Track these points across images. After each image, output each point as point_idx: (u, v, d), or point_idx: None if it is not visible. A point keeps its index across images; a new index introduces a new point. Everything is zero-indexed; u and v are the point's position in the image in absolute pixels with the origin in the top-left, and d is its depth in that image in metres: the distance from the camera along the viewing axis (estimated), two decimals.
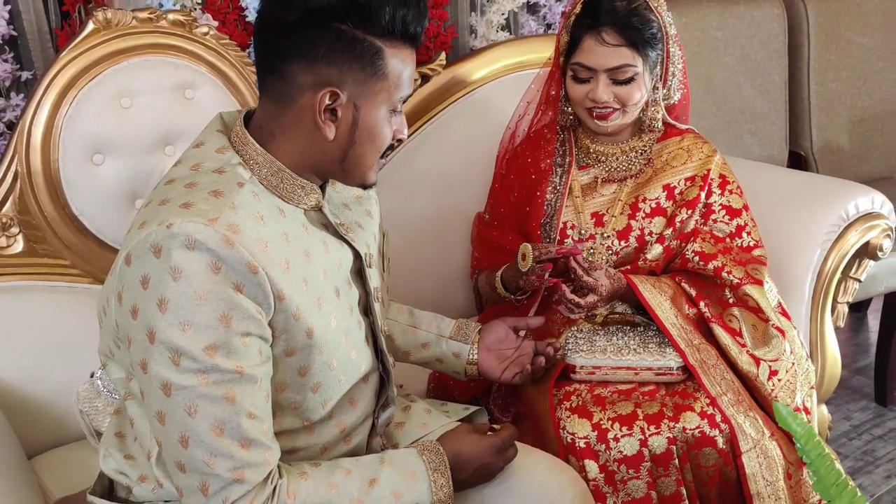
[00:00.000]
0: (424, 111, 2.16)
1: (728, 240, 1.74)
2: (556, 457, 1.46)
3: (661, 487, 1.52)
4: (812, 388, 1.74)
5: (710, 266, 1.70)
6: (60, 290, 1.70)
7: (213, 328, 1.05)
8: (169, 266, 1.04)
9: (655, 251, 1.75)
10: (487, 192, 1.94)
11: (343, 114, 1.14)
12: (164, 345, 1.05)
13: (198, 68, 1.76)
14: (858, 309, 3.27)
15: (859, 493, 1.13)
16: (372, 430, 1.35)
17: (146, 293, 1.05)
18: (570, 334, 1.68)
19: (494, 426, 1.41)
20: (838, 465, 1.12)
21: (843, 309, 2.06)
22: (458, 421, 1.45)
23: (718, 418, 1.53)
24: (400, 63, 1.15)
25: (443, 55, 2.16)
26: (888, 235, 2.02)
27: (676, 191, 1.76)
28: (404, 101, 1.20)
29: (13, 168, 1.64)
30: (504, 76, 2.24)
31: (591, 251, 1.76)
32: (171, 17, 1.74)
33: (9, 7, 1.79)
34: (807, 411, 1.69)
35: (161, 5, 1.84)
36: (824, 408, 2.04)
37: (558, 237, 1.76)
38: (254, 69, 1.49)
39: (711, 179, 1.76)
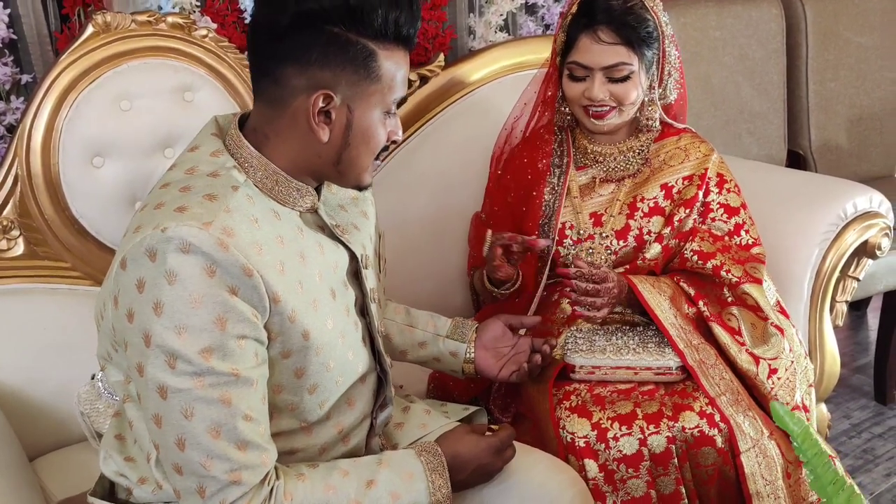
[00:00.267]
0: (423, 112, 2.16)
1: (726, 238, 1.74)
2: (555, 456, 1.47)
3: (660, 486, 1.53)
4: (810, 385, 1.74)
5: (709, 265, 1.71)
6: (61, 292, 1.70)
7: (208, 331, 1.05)
8: (164, 270, 1.04)
9: (654, 250, 1.75)
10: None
11: (337, 116, 1.14)
12: (160, 348, 1.05)
13: (197, 71, 1.77)
14: (858, 307, 3.26)
15: (857, 491, 1.14)
16: (370, 430, 1.35)
17: (142, 297, 1.05)
18: (569, 334, 1.68)
19: (493, 427, 1.41)
20: (836, 464, 1.12)
21: (842, 308, 2.06)
22: (458, 421, 1.45)
23: (717, 418, 1.53)
24: (393, 65, 1.15)
25: (441, 56, 2.15)
26: (886, 234, 2.02)
27: (674, 190, 1.77)
28: (399, 103, 1.20)
29: (13, 171, 1.65)
30: (503, 77, 2.23)
31: (591, 251, 1.76)
32: (170, 19, 1.74)
33: (8, 11, 1.79)
34: (805, 409, 1.69)
35: (160, 8, 1.85)
36: (823, 406, 2.04)
37: (557, 237, 1.77)
38: None
39: (709, 178, 1.76)
